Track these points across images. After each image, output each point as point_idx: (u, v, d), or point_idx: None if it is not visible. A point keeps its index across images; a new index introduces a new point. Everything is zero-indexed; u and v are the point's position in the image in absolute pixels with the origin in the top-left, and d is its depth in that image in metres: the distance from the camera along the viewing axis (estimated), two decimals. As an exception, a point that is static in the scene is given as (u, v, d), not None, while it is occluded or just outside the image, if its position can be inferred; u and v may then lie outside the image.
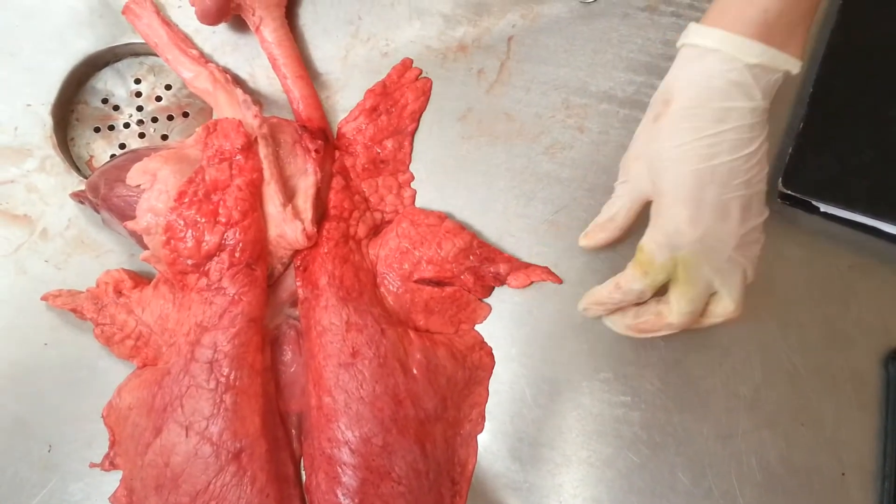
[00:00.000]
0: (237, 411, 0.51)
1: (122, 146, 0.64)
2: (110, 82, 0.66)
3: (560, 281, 0.58)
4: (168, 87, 0.66)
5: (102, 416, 0.56)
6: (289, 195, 0.55)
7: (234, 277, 0.53)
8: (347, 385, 0.52)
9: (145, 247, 0.55)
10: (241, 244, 0.53)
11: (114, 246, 0.61)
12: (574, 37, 0.63)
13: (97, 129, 0.65)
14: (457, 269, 0.57)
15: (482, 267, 0.57)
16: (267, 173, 0.55)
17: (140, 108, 0.65)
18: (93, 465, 0.56)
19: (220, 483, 0.51)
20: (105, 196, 0.54)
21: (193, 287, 0.53)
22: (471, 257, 0.57)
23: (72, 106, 0.65)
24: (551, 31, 0.63)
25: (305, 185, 0.56)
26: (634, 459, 0.56)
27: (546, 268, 0.58)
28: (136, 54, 0.66)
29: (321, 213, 0.57)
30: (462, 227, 0.57)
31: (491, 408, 0.57)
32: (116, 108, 0.65)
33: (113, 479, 0.56)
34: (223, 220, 0.53)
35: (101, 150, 0.64)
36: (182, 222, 0.52)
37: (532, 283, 0.58)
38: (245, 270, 0.53)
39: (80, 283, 0.59)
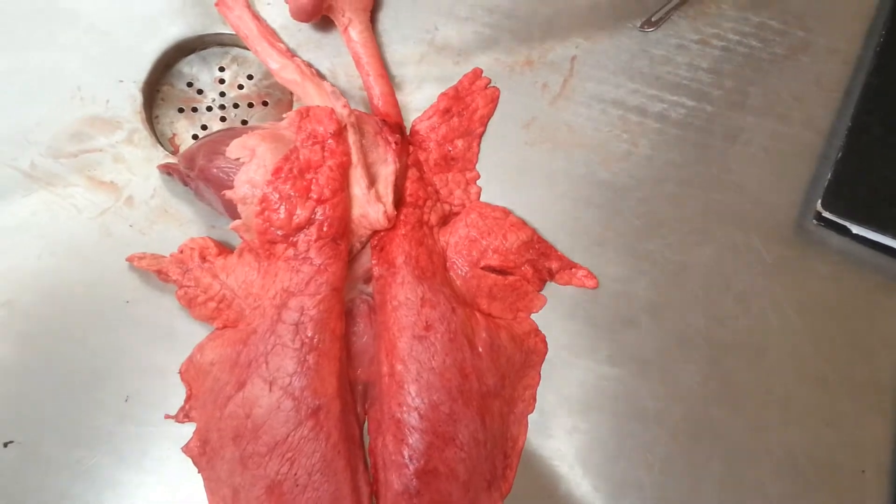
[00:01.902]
0: (318, 371, 0.56)
1: (204, 127, 0.69)
2: (196, 68, 0.70)
3: (596, 285, 0.63)
4: (250, 77, 0.70)
5: (180, 372, 0.60)
6: (371, 180, 0.60)
7: (321, 249, 0.57)
8: (420, 355, 0.57)
9: (235, 217, 0.59)
10: (329, 219, 0.57)
11: (195, 217, 0.65)
12: (632, 61, 0.69)
13: (181, 110, 0.69)
14: (519, 260, 0.62)
15: (539, 260, 0.63)
16: (354, 158, 0.59)
17: (222, 94, 0.70)
18: (167, 417, 0.59)
19: (298, 436, 0.55)
20: (203, 167, 0.59)
21: (280, 256, 0.58)
22: (531, 251, 0.62)
23: (158, 86, 0.70)
24: (611, 54, 0.69)
25: (386, 173, 0.61)
26: (674, 448, 0.60)
27: (587, 270, 0.63)
28: (222, 44, 0.71)
29: (398, 200, 0.62)
30: (524, 223, 0.63)
31: (541, 391, 0.61)
32: (200, 92, 0.70)
33: (184, 431, 0.59)
34: (314, 196, 0.57)
35: (183, 130, 0.69)
36: (277, 195, 0.57)
37: (571, 284, 0.63)
38: (331, 244, 0.58)
39: (162, 248, 0.63)
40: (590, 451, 0.60)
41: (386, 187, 0.60)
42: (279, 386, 0.55)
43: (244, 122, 0.69)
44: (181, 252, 0.62)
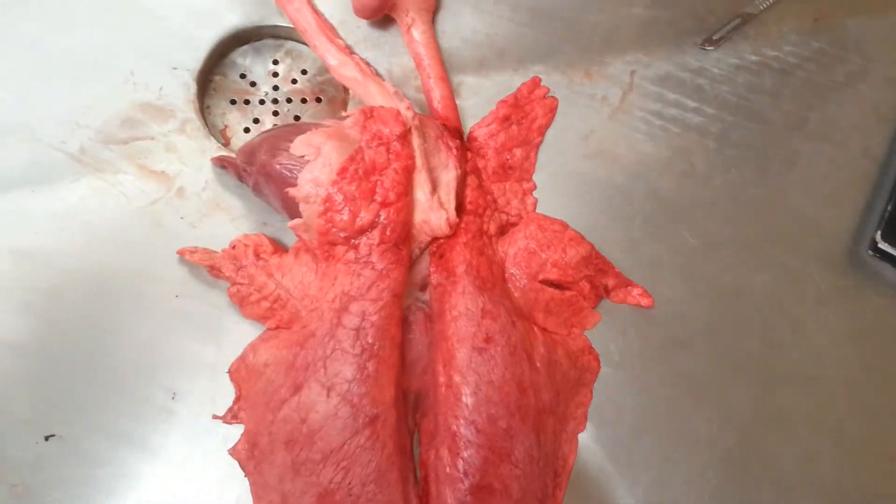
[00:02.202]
0: (378, 378, 0.55)
1: (256, 121, 0.68)
2: (249, 59, 0.69)
3: (651, 304, 0.63)
4: (304, 72, 0.69)
5: (230, 372, 0.59)
6: (433, 186, 0.59)
7: (384, 254, 0.56)
8: (479, 368, 0.56)
9: (293, 215, 0.58)
10: (392, 224, 0.57)
11: (247, 212, 0.64)
12: (692, 78, 0.69)
13: (233, 102, 0.68)
14: (577, 275, 0.61)
15: (597, 277, 0.62)
16: (419, 162, 0.59)
17: (276, 88, 0.69)
18: (215, 418, 0.58)
19: (354, 444, 0.54)
20: (265, 162, 0.58)
21: (341, 258, 0.57)
22: (590, 266, 0.62)
23: (211, 76, 0.68)
24: (671, 71, 0.69)
25: (447, 179, 0.60)
26: (724, 473, 0.60)
27: (643, 289, 0.63)
28: (278, 37, 0.70)
29: (458, 207, 0.61)
30: (583, 237, 0.62)
31: (592, 409, 0.61)
32: (253, 84, 0.69)
33: (230, 433, 0.59)
34: (379, 199, 0.57)
35: (235, 122, 0.68)
36: (341, 196, 0.56)
37: (626, 302, 0.62)
38: (393, 249, 0.57)
39: (213, 242, 0.62)
40: (639, 473, 0.60)
41: (448, 193, 0.60)
42: (337, 392, 0.54)
43: (297, 118, 0.68)
44: (233, 248, 0.61)
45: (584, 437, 0.60)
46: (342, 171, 0.56)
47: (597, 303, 0.62)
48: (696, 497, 0.59)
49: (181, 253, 0.61)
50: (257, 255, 0.60)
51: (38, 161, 0.64)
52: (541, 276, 0.61)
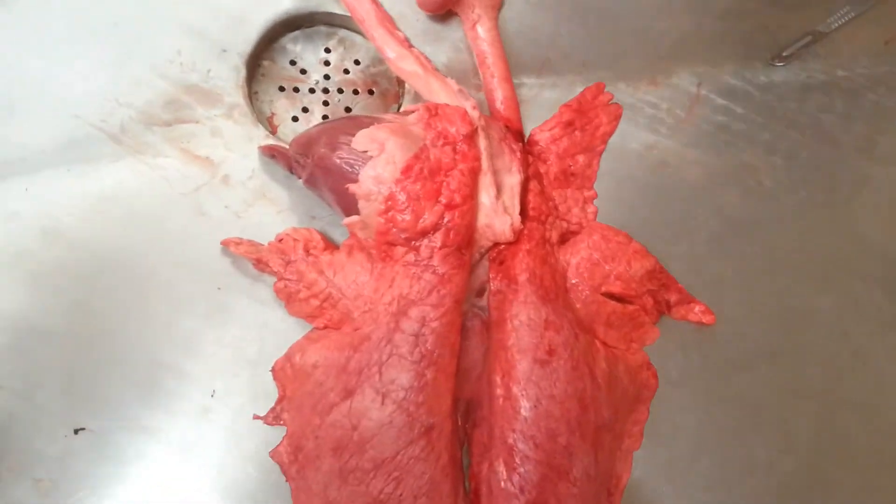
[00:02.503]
0: (436, 387, 0.52)
1: (305, 109, 0.65)
2: (301, 45, 0.66)
3: (713, 321, 0.60)
4: (357, 63, 0.66)
5: (273, 370, 0.56)
6: (497, 190, 0.57)
7: (446, 258, 0.54)
8: (541, 381, 0.53)
9: (349, 211, 0.55)
10: (456, 227, 0.54)
11: (295, 204, 0.61)
12: (760, 94, 0.67)
13: (281, 89, 0.65)
14: (640, 289, 0.59)
15: (660, 292, 0.60)
16: (485, 164, 0.56)
17: (327, 77, 0.66)
18: (256, 418, 0.55)
19: (408, 455, 0.51)
20: (324, 155, 0.55)
21: (399, 260, 0.54)
22: (653, 281, 0.59)
23: (260, 61, 0.65)
24: (739, 86, 0.67)
25: (511, 183, 0.58)
26: (781, 501, 0.57)
27: (705, 306, 0.60)
28: (331, 24, 0.67)
29: (520, 213, 0.58)
30: (647, 250, 0.59)
31: (648, 427, 0.58)
32: (303, 71, 0.66)
33: (270, 434, 0.56)
34: (444, 200, 0.54)
35: (282, 110, 0.65)
36: (405, 195, 0.53)
37: (687, 318, 0.60)
38: (456, 253, 0.54)
39: (259, 234, 0.59)
40: (694, 495, 0.58)
41: (512, 198, 0.57)
42: (393, 399, 0.51)
43: (348, 109, 0.65)
44: (281, 241, 0.58)
45: (639, 456, 0.58)
46: (407, 170, 0.53)
47: (657, 318, 0.60)
48: (751, 524, 0.56)
49: (225, 244, 0.58)
50: (307, 251, 0.57)
51: (75, 139, 0.61)
52: (603, 289, 0.58)
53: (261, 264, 0.57)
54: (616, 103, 0.65)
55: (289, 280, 0.57)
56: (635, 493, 0.57)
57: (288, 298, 0.57)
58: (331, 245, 0.58)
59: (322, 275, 0.56)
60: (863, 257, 0.63)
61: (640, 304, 0.59)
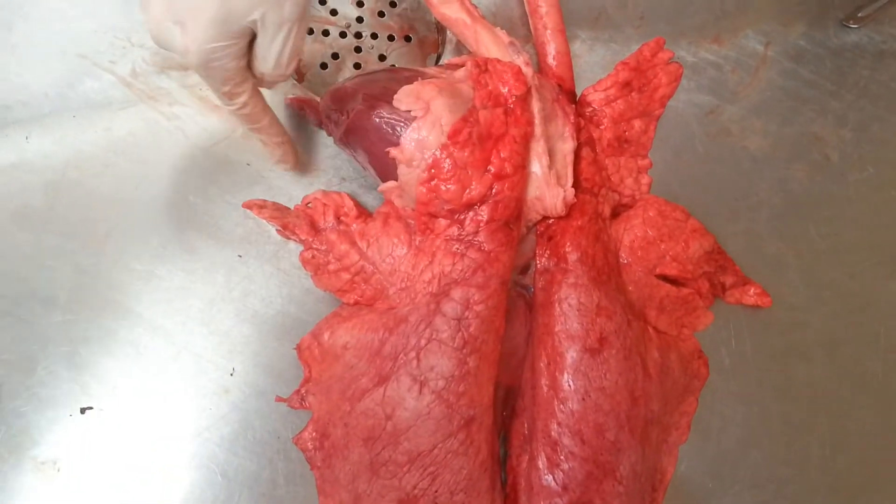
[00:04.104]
0: (478, 377, 0.48)
1: (335, 56, 0.59)
2: (332, -17, 0.60)
3: (769, 303, 0.56)
4: (393, 5, 0.61)
5: (298, 349, 0.52)
6: (550, 158, 0.51)
7: (493, 234, 0.49)
8: (590, 372, 0.49)
9: (386, 177, 0.50)
10: (505, 200, 0.49)
11: (324, 165, 0.56)
12: (832, 58, 0.62)
13: (310, 31, 0.59)
14: (696, 271, 0.54)
15: (716, 274, 0.55)
16: (538, 129, 0.51)
17: (360, 20, 0.60)
18: (279, 400, 0.51)
19: (446, 448, 0.47)
20: (361, 113, 0.49)
21: (441, 234, 0.49)
22: (711, 262, 0.55)
23: (286, 0, 0.58)
24: (810, 48, 0.63)
25: (564, 150, 0.53)
26: (833, 501, 0.54)
27: (761, 288, 0.56)
28: (366, -41, 0.60)
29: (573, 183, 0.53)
30: (705, 229, 0.54)
31: (696, 419, 0.54)
32: (334, 12, 0.60)
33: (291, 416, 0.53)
34: (493, 170, 0.49)
35: (310, 55, 0.60)
36: (450, 163, 0.48)
37: (742, 302, 0.56)
38: (504, 228, 0.49)
39: (283, 196, 0.54)
40: (742, 492, 0.55)
41: (565, 167, 0.52)
42: (431, 389, 0.47)
43: (382, 57, 0.59)
44: (309, 205, 0.52)
45: (685, 449, 0.55)
46: (454, 135, 0.48)
47: (712, 302, 0.56)
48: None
49: (248, 206, 0.52)
50: (338, 218, 0.52)
51: (81, 82, 0.56)
52: (658, 270, 0.54)
53: (286, 231, 0.52)
54: (676, 62, 0.59)
55: (317, 250, 0.52)
56: (679, 489, 0.54)
57: (315, 270, 0.52)
58: (364, 212, 0.53)
59: (354, 246, 0.51)
60: (933, 243, 0.58)
61: (695, 287, 0.54)
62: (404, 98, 0.49)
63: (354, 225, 0.53)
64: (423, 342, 0.48)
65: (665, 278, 0.54)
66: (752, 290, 0.56)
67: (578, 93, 0.58)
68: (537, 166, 0.51)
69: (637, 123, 0.57)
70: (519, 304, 0.53)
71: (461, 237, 0.49)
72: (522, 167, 0.50)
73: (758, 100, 0.59)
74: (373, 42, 0.60)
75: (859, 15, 0.61)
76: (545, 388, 0.50)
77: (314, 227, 0.53)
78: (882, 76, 0.61)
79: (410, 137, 0.48)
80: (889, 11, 0.62)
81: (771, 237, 0.57)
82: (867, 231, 0.58)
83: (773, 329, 0.56)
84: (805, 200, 0.58)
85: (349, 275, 0.52)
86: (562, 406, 0.49)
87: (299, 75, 0.58)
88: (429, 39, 0.60)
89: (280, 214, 0.53)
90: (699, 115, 0.59)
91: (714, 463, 0.54)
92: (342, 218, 0.53)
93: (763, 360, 0.56)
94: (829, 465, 0.55)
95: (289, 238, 0.52)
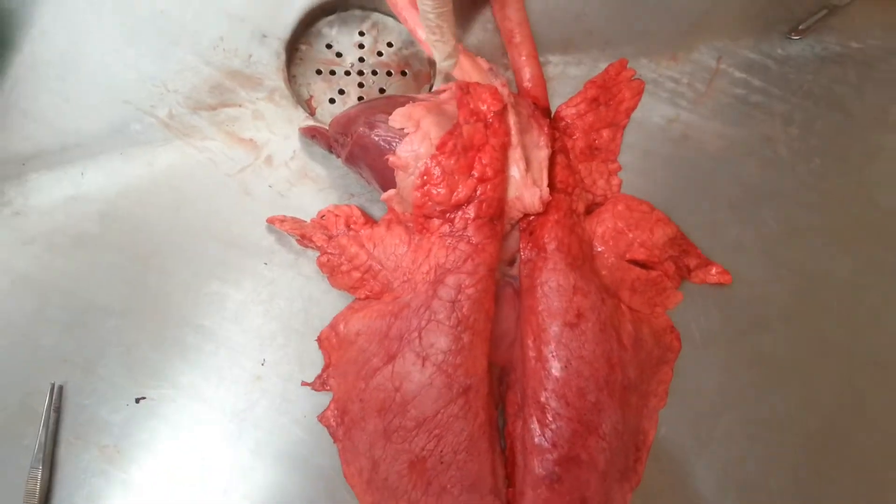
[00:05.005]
0: (472, 350, 0.56)
1: (342, 91, 0.68)
2: (336, 29, 0.70)
3: (730, 280, 0.63)
4: (390, 45, 0.70)
5: (318, 340, 0.60)
6: (527, 163, 0.60)
7: (480, 228, 0.57)
8: (571, 343, 0.57)
9: (387, 187, 0.59)
10: (488, 199, 0.57)
11: (335, 183, 0.64)
12: (778, 67, 0.70)
13: (318, 72, 0.69)
14: (663, 255, 0.62)
15: (681, 257, 0.63)
16: (514, 139, 0.59)
17: (361, 59, 0.69)
18: (304, 384, 0.59)
19: (448, 413, 0.55)
20: (362, 134, 0.58)
21: (435, 231, 0.58)
22: (675, 247, 0.63)
23: (297, 45, 0.69)
24: (757, 59, 0.70)
25: (539, 157, 0.61)
26: (802, 455, 0.62)
27: (721, 267, 0.63)
28: (364, 8, 0.70)
29: (548, 185, 0.61)
30: (669, 219, 0.63)
31: (673, 387, 0.61)
32: (339, 55, 0.69)
33: (317, 398, 0.61)
34: (476, 174, 0.57)
35: (320, 92, 0.68)
36: (440, 170, 0.57)
37: (706, 282, 0.63)
38: (489, 223, 0.57)
39: (302, 211, 0.63)
40: (718, 450, 0.61)
41: (540, 171, 0.60)
42: (432, 362, 0.55)
43: (382, 91, 0.68)
44: (323, 217, 0.61)
45: (665, 414, 0.62)
46: (442, 146, 0.56)
47: (679, 283, 0.63)
48: (773, 477, 0.60)
49: (271, 221, 0.61)
50: (348, 226, 0.61)
51: (126, 125, 0.64)
52: (628, 256, 0.62)
53: (304, 240, 0.61)
54: (638, 79, 0.68)
55: (331, 254, 0.61)
56: (662, 449, 0.60)
57: (331, 272, 0.61)
58: (370, 220, 0.62)
59: (363, 248, 0.60)
60: (877, 222, 0.66)
61: (662, 269, 0.62)
62: (398, 118, 0.58)
63: (362, 231, 0.61)
64: (423, 323, 0.56)
65: (635, 263, 0.62)
66: (713, 270, 0.64)
67: (553, 109, 0.66)
68: (515, 171, 0.59)
69: (605, 133, 0.66)
70: (508, 291, 0.61)
71: (452, 233, 0.58)
72: (502, 171, 0.58)
73: (713, 107, 0.67)
74: (373, 78, 0.69)
75: (800, 28, 0.69)
76: (533, 361, 0.58)
77: (328, 235, 0.61)
78: (823, 80, 0.69)
79: (405, 150, 0.57)
80: (827, 23, 0.70)
81: (730, 224, 0.65)
82: (816, 214, 0.65)
83: (737, 304, 0.63)
84: (759, 191, 0.66)
85: (359, 273, 0.61)
86: (548, 374, 0.57)
87: (311, 109, 0.67)
88: (422, 73, 0.70)
89: (298, 226, 0.62)
90: (661, 123, 0.67)
91: (692, 425, 0.61)
92: (352, 226, 0.62)
93: (730, 332, 0.63)
94: (796, 421, 0.61)
95: (307, 246, 0.61)
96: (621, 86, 0.67)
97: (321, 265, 0.60)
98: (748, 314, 0.63)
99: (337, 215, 0.61)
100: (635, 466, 0.60)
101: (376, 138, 0.58)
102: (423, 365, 0.55)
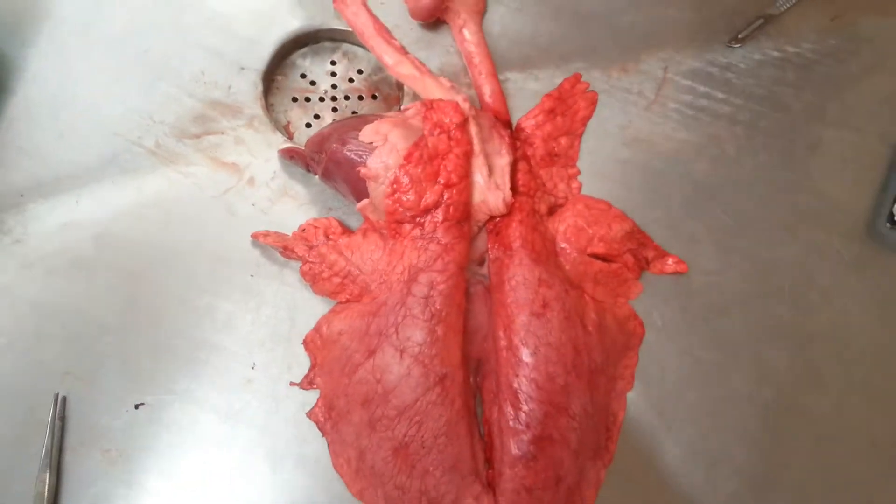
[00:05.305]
0: (445, 341, 0.60)
1: (317, 116, 0.74)
2: (309, 60, 0.75)
3: (686, 269, 0.68)
4: (360, 72, 0.75)
5: (304, 342, 0.64)
6: (489, 170, 0.65)
7: (448, 230, 0.62)
8: (538, 331, 0.61)
9: (361, 198, 0.64)
10: (455, 203, 0.62)
11: (314, 199, 0.69)
12: (720, 73, 0.75)
13: (294, 99, 0.74)
14: (621, 248, 0.67)
15: (639, 250, 0.68)
16: (477, 147, 0.64)
17: (334, 87, 0.75)
18: (293, 385, 0.63)
19: (426, 401, 0.59)
20: (335, 150, 0.64)
21: (407, 235, 0.62)
22: (632, 240, 0.68)
23: (274, 76, 0.74)
24: (701, 67, 0.76)
25: (502, 164, 0.66)
26: (762, 426, 0.66)
27: (677, 257, 0.68)
28: (335, 39, 0.76)
29: (511, 189, 0.66)
30: (625, 215, 0.68)
31: (639, 370, 0.66)
32: (313, 83, 0.75)
33: (305, 397, 0.65)
34: (442, 181, 0.62)
35: (297, 118, 0.74)
36: (408, 178, 0.62)
37: (664, 272, 0.68)
38: (457, 225, 0.62)
39: (284, 226, 0.67)
40: (684, 426, 0.65)
41: (503, 176, 0.65)
42: (409, 354, 0.59)
43: (354, 114, 0.73)
44: (304, 230, 0.66)
45: (633, 396, 0.66)
46: (408, 156, 0.61)
47: (639, 274, 0.68)
48: (736, 446, 0.64)
49: (255, 236, 0.66)
50: (327, 236, 0.66)
51: (116, 155, 0.69)
52: (589, 250, 0.66)
53: (287, 251, 0.66)
54: (592, 91, 0.73)
55: (313, 263, 0.65)
56: (632, 429, 0.64)
57: (313, 279, 0.65)
58: (347, 230, 0.66)
59: (342, 255, 0.65)
60: (821, 210, 0.71)
61: (622, 261, 0.67)
62: (368, 133, 0.63)
63: (340, 240, 0.66)
64: (399, 318, 0.61)
65: (596, 256, 0.67)
66: (670, 261, 0.69)
67: (514, 121, 0.72)
68: (479, 177, 0.65)
69: (563, 140, 0.71)
70: (479, 289, 0.66)
71: (423, 236, 0.63)
72: (466, 177, 0.63)
73: (662, 112, 0.73)
74: (346, 102, 0.74)
75: (739, 36, 0.75)
76: (504, 350, 0.62)
77: (309, 246, 0.66)
78: (764, 82, 0.74)
79: (375, 161, 0.62)
80: (764, 31, 0.76)
81: (684, 218, 0.70)
82: (764, 206, 0.70)
83: (694, 291, 0.68)
84: (710, 186, 0.71)
85: (339, 279, 0.65)
86: (518, 361, 0.62)
87: (289, 134, 0.73)
88: (391, 96, 0.75)
89: (281, 240, 0.67)
90: (615, 130, 0.72)
91: (657, 404, 0.65)
92: (330, 236, 0.67)
93: (689, 318, 0.67)
94: (755, 397, 0.66)
95: (289, 257, 0.66)
96: (576, 97, 0.72)
97: (304, 274, 0.65)
98: (705, 300, 0.67)
99: (316, 227, 0.66)
100: (607, 445, 0.64)
101: (348, 153, 0.63)
102: (401, 357, 0.59)
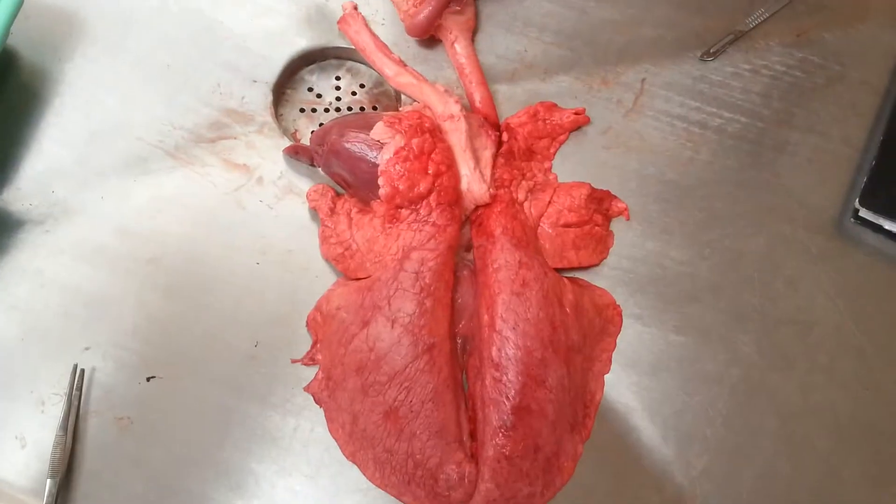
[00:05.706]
0: (434, 313, 0.66)
1: (321, 125, 0.81)
2: (316, 76, 0.83)
3: (628, 216, 0.76)
4: (362, 86, 0.83)
5: (307, 322, 0.70)
6: (476, 163, 0.71)
7: (441, 213, 0.68)
8: (517, 308, 0.67)
9: (357, 184, 0.70)
10: (445, 188, 0.68)
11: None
12: (694, 84, 0.81)
13: (302, 110, 0.81)
14: (588, 211, 0.73)
15: (601, 206, 0.74)
16: (465, 143, 0.71)
17: (338, 99, 0.82)
18: (294, 361, 0.69)
19: (414, 368, 0.64)
20: (335, 141, 0.70)
21: (404, 220, 0.69)
22: (594, 199, 0.74)
23: (284, 89, 0.82)
24: (676, 78, 0.82)
25: (486, 158, 0.73)
26: (732, 405, 0.69)
27: (624, 204, 0.77)
28: (339, 57, 0.83)
29: (493, 184, 0.73)
30: (582, 182, 0.75)
31: (616, 354, 0.71)
32: (319, 96, 0.82)
33: (306, 374, 0.70)
34: (431, 171, 0.69)
35: (303, 126, 0.81)
36: (401, 168, 0.68)
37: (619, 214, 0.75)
38: (448, 209, 0.68)
39: (289, 220, 0.74)
40: (658, 407, 0.69)
41: (486, 168, 0.72)
42: (400, 324, 0.65)
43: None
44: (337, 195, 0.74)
45: (611, 377, 0.70)
46: (397, 153, 0.68)
47: (608, 225, 0.75)
48: (708, 425, 0.68)
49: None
50: (348, 213, 0.72)
51: (140, 156, 0.76)
52: (562, 222, 0.72)
53: (321, 201, 0.74)
54: (581, 107, 0.80)
55: (327, 227, 0.72)
56: (609, 408, 0.69)
57: (323, 240, 0.72)
58: (364, 209, 0.72)
59: (350, 228, 0.71)
60: (788, 206, 0.76)
61: (592, 222, 0.73)
62: (378, 132, 0.70)
63: (354, 215, 0.72)
64: (392, 292, 0.67)
65: (570, 225, 0.73)
66: (619, 204, 0.76)
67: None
68: (466, 169, 0.71)
69: (543, 141, 0.78)
70: (466, 273, 0.71)
71: (418, 219, 0.69)
72: (452, 165, 0.70)
73: (639, 119, 0.79)
74: (349, 114, 0.82)
75: (711, 51, 0.82)
76: (487, 327, 0.68)
77: (331, 210, 0.73)
78: (734, 92, 0.80)
79: (383, 157, 0.69)
80: (735, 46, 0.82)
81: (658, 213, 0.75)
82: (734, 202, 0.75)
83: (668, 280, 0.73)
84: (683, 185, 0.76)
85: (341, 249, 0.71)
86: (499, 336, 0.67)
87: (296, 140, 0.80)
88: (391, 107, 0.82)
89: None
90: (596, 134, 0.78)
91: (633, 386, 0.69)
92: (352, 214, 0.73)
93: (664, 305, 0.72)
94: (725, 378, 0.70)
95: (318, 208, 0.73)
96: (564, 112, 0.79)
97: (319, 234, 0.73)
98: (678, 288, 0.72)
99: (348, 200, 0.73)
100: (584, 422, 0.68)
101: (347, 144, 0.70)
102: (392, 326, 0.65)
